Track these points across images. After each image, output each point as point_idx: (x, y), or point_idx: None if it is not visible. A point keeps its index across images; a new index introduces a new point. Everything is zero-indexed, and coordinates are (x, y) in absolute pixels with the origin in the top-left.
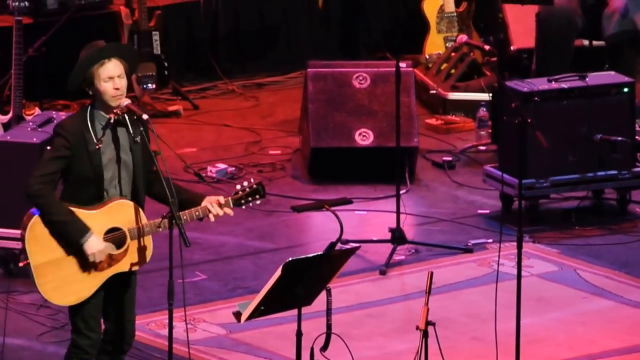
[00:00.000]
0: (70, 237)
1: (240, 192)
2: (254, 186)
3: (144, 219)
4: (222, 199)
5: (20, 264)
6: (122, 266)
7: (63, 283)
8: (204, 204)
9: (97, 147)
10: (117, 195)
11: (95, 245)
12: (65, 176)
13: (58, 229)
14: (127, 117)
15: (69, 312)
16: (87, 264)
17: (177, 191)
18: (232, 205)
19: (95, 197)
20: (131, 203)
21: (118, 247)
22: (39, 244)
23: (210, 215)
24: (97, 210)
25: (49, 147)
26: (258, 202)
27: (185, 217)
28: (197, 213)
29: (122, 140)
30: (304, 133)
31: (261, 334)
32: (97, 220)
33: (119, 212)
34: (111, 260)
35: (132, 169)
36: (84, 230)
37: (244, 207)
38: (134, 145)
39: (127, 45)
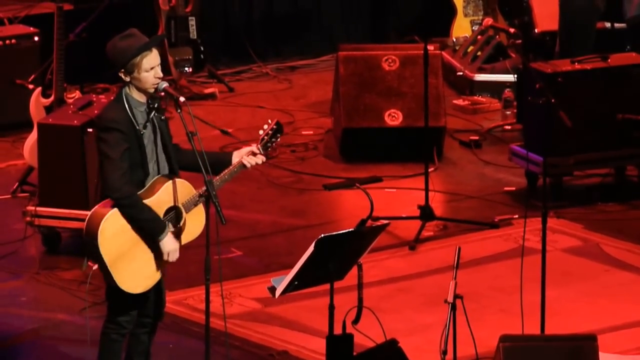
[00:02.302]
0: (152, 234)
1: (265, 137)
2: (274, 126)
3: (193, 190)
4: (253, 148)
5: (93, 267)
6: (183, 239)
7: (137, 272)
8: (235, 159)
9: (141, 132)
10: (157, 175)
11: (170, 244)
12: None
13: (142, 226)
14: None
15: (106, 290)
16: (153, 249)
17: (194, 160)
18: (262, 151)
19: (141, 180)
20: (175, 180)
21: (177, 223)
22: (112, 244)
23: (248, 165)
24: (153, 197)
25: (104, 143)
26: (279, 139)
27: (225, 177)
28: (234, 169)
29: (154, 120)
30: (335, 114)
31: (295, 308)
32: (157, 207)
33: (169, 192)
34: (176, 237)
35: (164, 146)
36: (163, 227)
37: (269, 148)
38: (160, 123)
39: (159, 35)
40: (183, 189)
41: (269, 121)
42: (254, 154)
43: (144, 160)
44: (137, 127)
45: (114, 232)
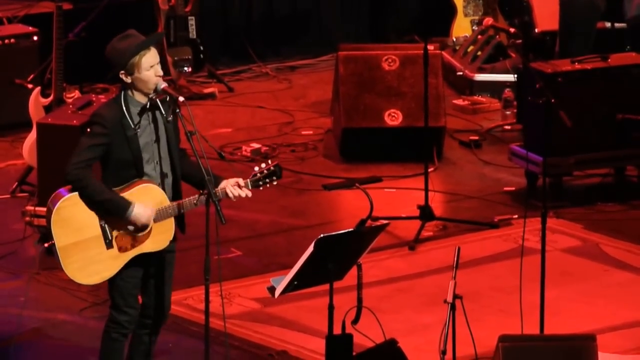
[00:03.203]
0: (116, 213)
1: (258, 174)
2: (271, 168)
3: (166, 202)
4: (241, 181)
5: (46, 245)
6: (145, 247)
7: (87, 263)
8: (222, 185)
9: (134, 132)
10: (156, 176)
11: (142, 213)
12: (104, 161)
13: (102, 208)
14: (158, 99)
15: (108, 289)
16: (111, 245)
17: (197, 171)
18: (250, 187)
19: (136, 178)
20: (156, 186)
21: (143, 229)
22: (65, 227)
23: (231, 196)
24: (125, 192)
25: (86, 134)
26: (275, 182)
27: (202, 198)
28: (217, 196)
29: (157, 121)
30: (335, 114)
31: (294, 308)
32: None
33: (144, 195)
34: (134, 241)
35: (168, 148)
36: (127, 203)
37: (261, 188)
38: (167, 125)
39: (157, 34)
40: (156, 196)
41: (269, 162)
42: (240, 187)
43: (137, 160)
44: (132, 127)
45: (69, 215)
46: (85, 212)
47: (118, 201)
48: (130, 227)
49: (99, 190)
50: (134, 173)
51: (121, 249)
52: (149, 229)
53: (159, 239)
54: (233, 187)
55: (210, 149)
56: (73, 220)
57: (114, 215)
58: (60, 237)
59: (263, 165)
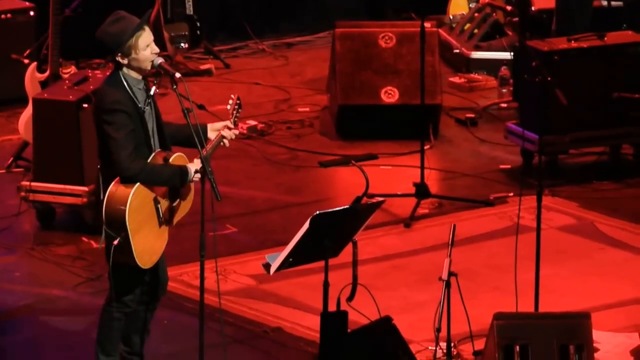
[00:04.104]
0: (181, 183)
1: (234, 112)
2: (237, 101)
3: (187, 161)
4: (229, 123)
5: (115, 243)
6: (180, 213)
7: (148, 247)
8: (211, 132)
9: (143, 110)
10: (157, 149)
11: (193, 170)
12: None
13: (169, 185)
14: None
15: (109, 272)
16: (161, 221)
17: (181, 128)
18: (234, 125)
19: (147, 157)
20: (181, 154)
21: (172, 202)
22: (135, 217)
23: (225, 141)
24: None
25: (112, 126)
26: (240, 110)
27: (210, 151)
28: (216, 143)
29: (147, 96)
30: (331, 91)
31: (289, 285)
32: None
33: (178, 161)
34: (173, 212)
35: (156, 120)
36: (185, 172)
37: (236, 123)
38: (152, 99)
39: (147, 12)
40: (183, 159)
41: (232, 96)
42: (229, 129)
43: (148, 137)
44: (139, 106)
45: (137, 205)
46: (144, 199)
47: (177, 171)
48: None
49: (158, 172)
50: (147, 151)
51: (166, 222)
52: (190, 194)
53: (187, 200)
54: (224, 130)
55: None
56: (139, 210)
57: (179, 187)
58: (132, 227)
59: (230, 102)
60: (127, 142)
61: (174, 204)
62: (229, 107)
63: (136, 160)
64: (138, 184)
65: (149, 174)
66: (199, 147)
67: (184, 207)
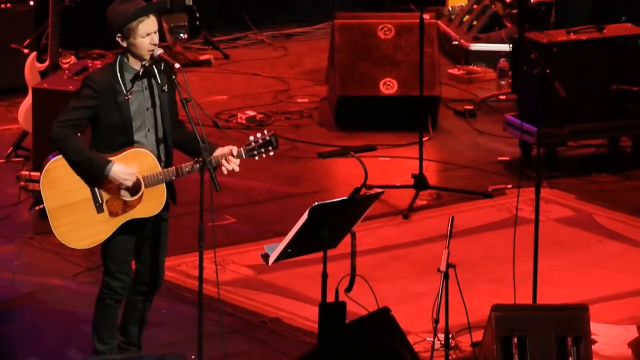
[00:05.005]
0: (94, 172)
1: (253, 144)
2: (267, 137)
3: (158, 168)
4: (234, 150)
5: (37, 208)
6: (136, 212)
7: (78, 226)
8: (217, 153)
9: (126, 98)
10: (147, 144)
11: (121, 171)
12: (93, 126)
13: (81, 168)
14: (154, 67)
15: (101, 255)
16: (101, 209)
17: (192, 139)
18: (244, 156)
19: (125, 145)
20: (147, 152)
21: (133, 194)
22: (54, 188)
23: (223, 169)
24: (114, 157)
25: (75, 95)
26: (271, 153)
27: (196, 167)
28: (210, 165)
29: (152, 89)
30: (330, 82)
31: (288, 276)
32: None
33: (135, 160)
34: (126, 206)
35: (161, 117)
36: (105, 162)
37: (256, 157)
38: (161, 94)
39: (159, 2)
40: (147, 162)
41: (265, 132)
42: (228, 160)
43: (127, 126)
44: (124, 92)
45: (58, 176)
46: (75, 175)
47: (97, 160)
48: (123, 193)
49: (78, 149)
50: (124, 139)
51: (112, 214)
52: (140, 194)
53: (150, 204)
54: (227, 161)
55: (206, 118)
56: (62, 182)
57: (94, 174)
58: (49, 199)
59: (259, 134)
60: (73, 111)
61: (125, 198)
62: (252, 137)
63: (65, 128)
64: (60, 156)
65: (66, 146)
66: (199, 140)
67: (145, 208)
